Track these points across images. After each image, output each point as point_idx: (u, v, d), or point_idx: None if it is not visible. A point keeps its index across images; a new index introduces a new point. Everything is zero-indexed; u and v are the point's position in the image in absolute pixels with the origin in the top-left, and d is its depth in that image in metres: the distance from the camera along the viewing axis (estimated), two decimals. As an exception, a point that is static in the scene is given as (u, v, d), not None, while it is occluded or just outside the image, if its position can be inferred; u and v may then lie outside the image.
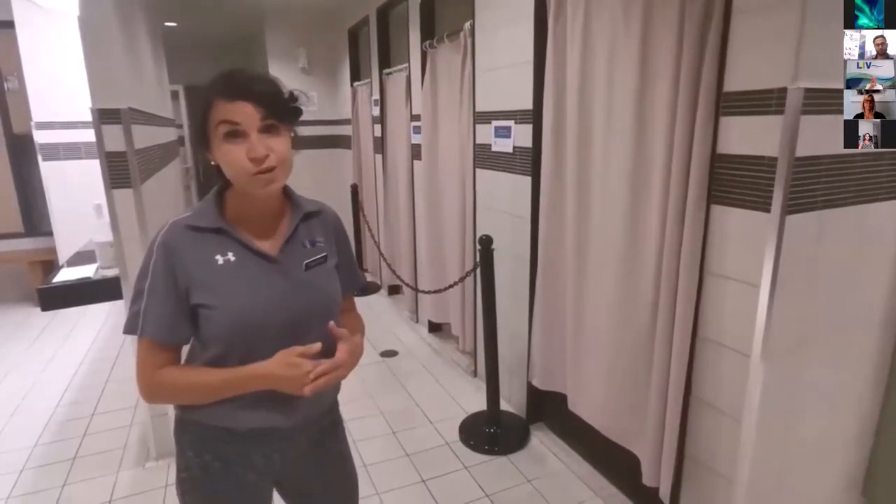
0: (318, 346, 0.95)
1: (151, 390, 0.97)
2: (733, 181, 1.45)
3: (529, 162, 2.35)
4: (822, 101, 1.27)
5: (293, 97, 0.97)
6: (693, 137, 1.51)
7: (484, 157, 2.73)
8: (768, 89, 1.32)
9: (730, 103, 1.44)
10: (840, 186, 1.40)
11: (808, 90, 1.24)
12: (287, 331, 0.97)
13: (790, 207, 1.31)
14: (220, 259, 0.94)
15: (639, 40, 1.65)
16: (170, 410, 2.31)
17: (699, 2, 1.44)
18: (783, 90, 1.28)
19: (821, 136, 1.29)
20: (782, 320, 1.39)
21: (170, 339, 0.95)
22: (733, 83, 1.42)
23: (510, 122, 2.46)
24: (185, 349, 1.01)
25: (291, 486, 1.16)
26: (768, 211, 1.34)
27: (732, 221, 1.47)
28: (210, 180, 1.03)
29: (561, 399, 2.28)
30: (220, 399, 0.96)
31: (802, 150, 1.28)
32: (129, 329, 0.94)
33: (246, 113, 0.89)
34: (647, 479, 1.82)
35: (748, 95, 1.38)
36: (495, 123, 2.58)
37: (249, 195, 0.95)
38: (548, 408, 2.57)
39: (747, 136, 1.40)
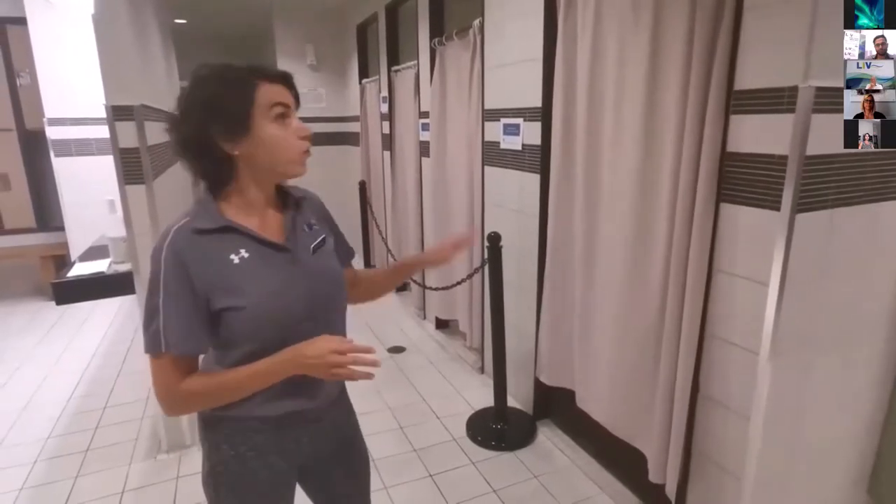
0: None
1: (178, 402, 0.94)
2: (743, 179, 1.45)
3: (538, 159, 2.35)
4: (834, 99, 1.26)
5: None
6: (703, 135, 1.51)
7: (492, 155, 2.74)
8: (779, 87, 1.32)
9: (740, 101, 1.43)
10: (852, 185, 1.40)
11: (819, 89, 1.24)
12: (311, 315, 0.99)
13: (800, 206, 1.31)
14: (234, 258, 0.93)
15: (649, 37, 1.65)
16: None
17: (710, -1, 1.44)
18: (794, 88, 1.28)
19: (832, 135, 1.28)
20: (791, 318, 1.39)
21: (193, 351, 0.93)
22: (744, 81, 1.42)
23: (519, 120, 2.47)
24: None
25: (314, 470, 1.17)
26: (778, 209, 1.34)
27: (742, 219, 1.47)
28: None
29: (568, 395, 2.29)
30: (250, 394, 0.96)
31: (813, 149, 1.28)
32: (153, 348, 0.90)
33: (288, 96, 0.96)
34: (653, 476, 1.82)
35: (759, 94, 1.38)
36: (504, 121, 2.58)
37: (254, 186, 0.97)
38: (554, 404, 2.58)
39: (757, 134, 1.40)
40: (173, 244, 0.90)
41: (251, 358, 0.94)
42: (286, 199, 1.05)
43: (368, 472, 1.28)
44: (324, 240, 1.08)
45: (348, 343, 0.93)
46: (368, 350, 0.94)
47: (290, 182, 1.07)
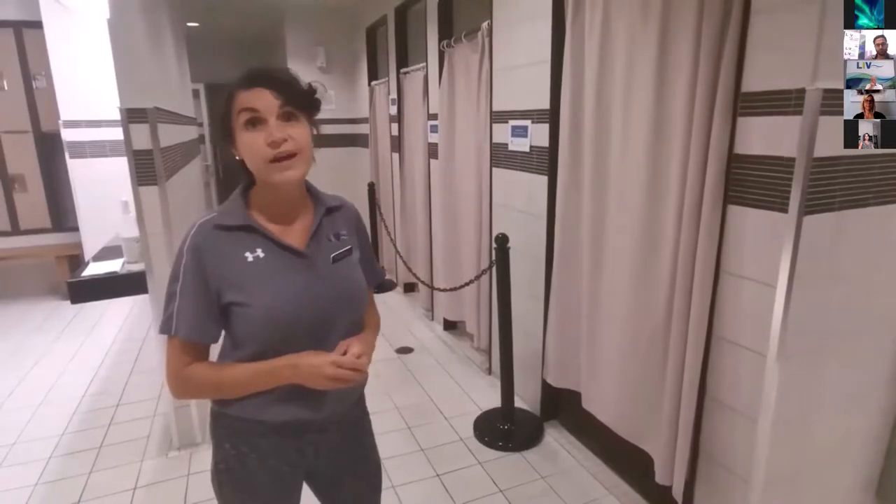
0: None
1: (180, 386, 0.99)
2: (750, 181, 1.45)
3: (546, 161, 2.36)
4: (841, 101, 1.26)
5: (312, 88, 0.99)
6: (710, 137, 1.51)
7: (500, 157, 2.75)
8: (787, 90, 1.32)
9: (748, 104, 1.44)
10: (860, 187, 1.39)
11: (826, 91, 1.24)
12: (318, 323, 1.00)
13: (808, 208, 1.31)
14: (249, 256, 0.96)
15: (657, 40, 1.65)
16: (193, 402, 2.38)
17: (718, 1, 1.45)
18: (802, 90, 1.28)
19: (839, 137, 1.28)
20: (799, 320, 1.39)
21: (201, 339, 0.96)
22: (751, 83, 1.42)
23: (527, 122, 2.48)
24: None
25: (322, 477, 1.17)
26: (785, 211, 1.34)
27: (749, 221, 1.47)
28: (230, 178, 1.06)
29: (575, 397, 2.29)
30: (248, 393, 0.98)
31: (821, 151, 1.28)
32: (165, 330, 0.96)
33: (265, 99, 0.92)
34: (660, 478, 1.82)
35: (766, 96, 1.38)
36: (512, 123, 2.59)
37: (273, 188, 0.97)
38: (562, 405, 2.58)
39: (765, 136, 1.40)
40: (195, 237, 0.95)
41: (255, 357, 0.97)
42: (318, 207, 1.06)
43: (380, 481, 1.27)
44: (349, 251, 1.08)
45: (344, 358, 0.97)
46: (359, 367, 0.98)
47: (330, 191, 1.11)
